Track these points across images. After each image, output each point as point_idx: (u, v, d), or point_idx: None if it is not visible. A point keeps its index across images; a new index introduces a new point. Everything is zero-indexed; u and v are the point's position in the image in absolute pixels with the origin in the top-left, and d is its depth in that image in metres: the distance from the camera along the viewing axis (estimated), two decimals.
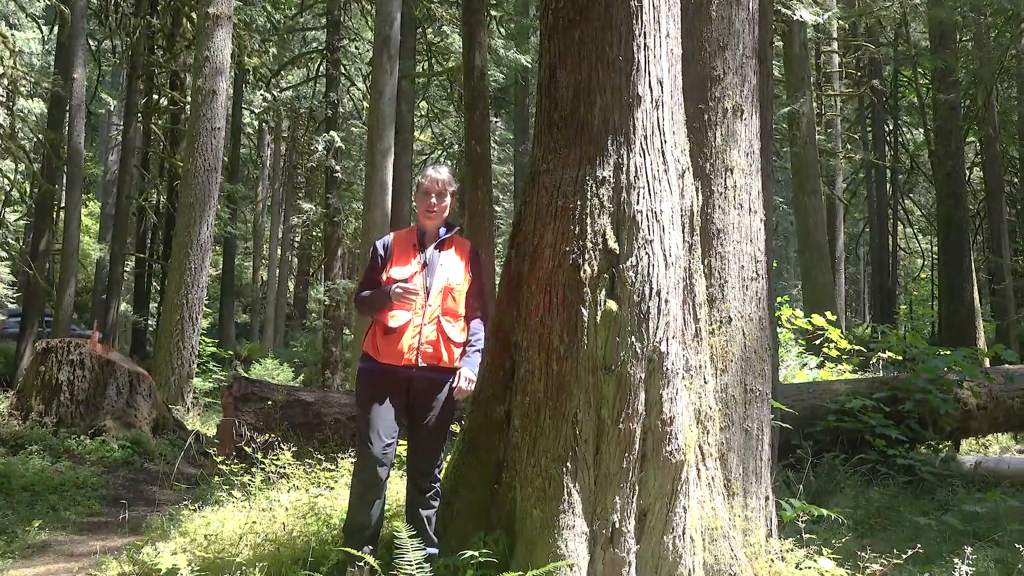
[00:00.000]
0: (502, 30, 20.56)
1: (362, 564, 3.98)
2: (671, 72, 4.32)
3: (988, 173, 23.05)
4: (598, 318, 3.90)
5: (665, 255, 3.99)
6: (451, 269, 4.38)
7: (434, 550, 4.20)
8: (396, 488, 5.18)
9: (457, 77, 20.96)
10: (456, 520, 4.35)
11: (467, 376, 4.32)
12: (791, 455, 7.67)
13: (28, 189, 23.39)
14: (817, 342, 12.94)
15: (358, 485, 4.23)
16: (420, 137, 29.40)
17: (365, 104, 26.23)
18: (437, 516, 4.31)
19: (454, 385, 4.33)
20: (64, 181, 20.00)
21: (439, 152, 29.07)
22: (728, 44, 5.07)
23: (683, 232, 4.38)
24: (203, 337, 16.88)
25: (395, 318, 4.23)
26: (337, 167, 23.34)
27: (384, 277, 4.33)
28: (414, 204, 4.53)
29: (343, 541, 4.26)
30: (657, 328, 3.92)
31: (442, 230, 4.47)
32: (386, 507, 4.78)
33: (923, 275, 34.30)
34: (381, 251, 4.42)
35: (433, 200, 4.40)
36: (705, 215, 4.85)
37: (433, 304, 4.28)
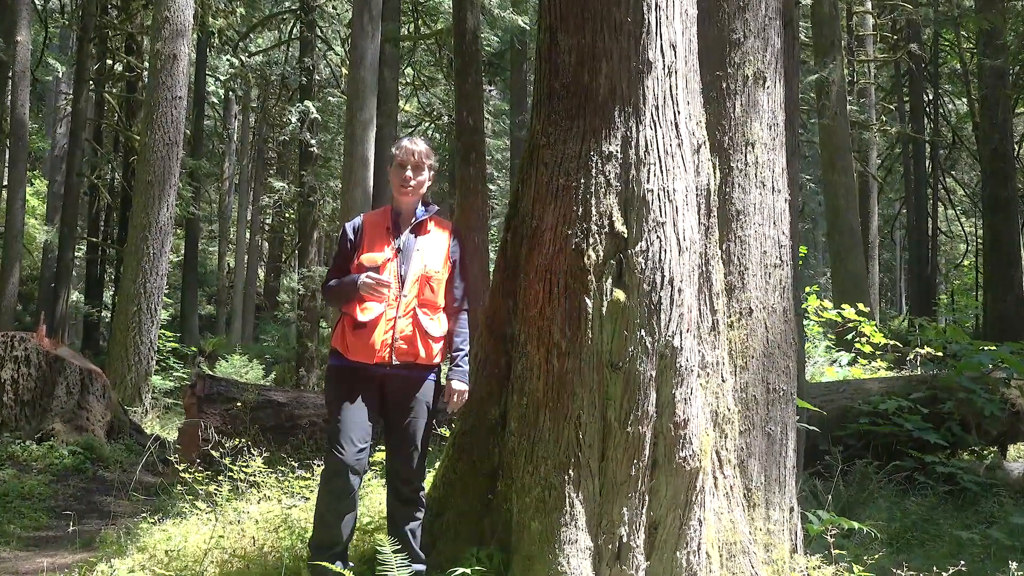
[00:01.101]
0: None
1: None
2: (685, 35, 4.31)
3: None
4: (604, 309, 3.91)
5: (678, 239, 3.99)
6: (429, 255, 4.36)
7: (421, 567, 4.21)
8: (378, 499, 5.19)
9: (447, 40, 20.91)
10: (446, 534, 4.37)
11: (458, 389, 4.34)
12: (818, 462, 7.69)
13: None
14: (848, 336, 12.96)
15: (327, 496, 4.21)
16: (405, 107, 29.33)
17: (344, 71, 26.16)
18: (422, 529, 4.32)
19: (444, 399, 4.36)
20: (6, 156, 19.96)
21: (426, 124, 29.03)
22: (749, 3, 5.06)
23: (698, 213, 4.38)
24: (163, 331, 16.87)
25: (366, 311, 4.21)
26: (313, 141, 23.31)
27: (354, 264, 4.32)
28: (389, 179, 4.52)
29: (308, 558, 4.27)
30: (669, 320, 3.92)
31: (419, 210, 4.45)
32: (368, 519, 4.79)
33: (966, 262, 34.33)
34: (351, 234, 4.40)
35: (408, 174, 4.38)
36: (723, 194, 4.86)
37: (408, 295, 4.26)
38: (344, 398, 4.22)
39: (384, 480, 5.84)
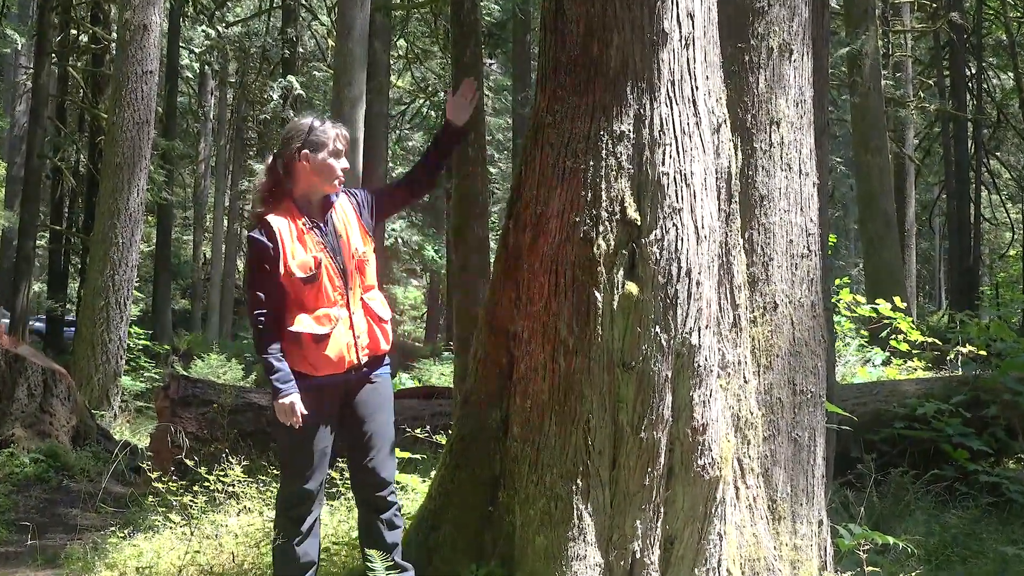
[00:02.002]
0: None
1: None
2: (704, 3, 4.30)
3: None
4: (615, 303, 3.91)
5: (697, 227, 3.99)
6: (352, 237, 4.28)
7: (411, 574, 4.23)
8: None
9: (443, 9, 20.88)
10: (442, 548, 4.37)
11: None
12: (850, 470, 7.69)
13: None
14: (882, 333, 12.96)
15: (290, 525, 4.20)
16: (397, 83, 29.36)
17: (330, 42, 26.13)
18: (416, 545, 4.34)
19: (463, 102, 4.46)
20: None
21: (420, 100, 29.04)
22: None
23: (718, 199, 4.38)
24: (133, 327, 16.88)
25: (323, 321, 4.14)
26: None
27: (280, 274, 4.12)
28: (306, 164, 4.23)
29: None
30: (687, 316, 3.92)
31: (330, 195, 4.34)
32: (357, 536, 4.81)
33: (1012, 252, 34.32)
34: (266, 241, 4.14)
35: (346, 164, 4.31)
36: (746, 178, 4.85)
37: (353, 287, 4.23)
38: (310, 421, 4.15)
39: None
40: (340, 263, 4.21)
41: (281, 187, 4.27)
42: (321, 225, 4.23)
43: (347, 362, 4.18)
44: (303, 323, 4.12)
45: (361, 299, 4.25)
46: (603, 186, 3.98)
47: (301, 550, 4.18)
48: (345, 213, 4.32)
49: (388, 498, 4.30)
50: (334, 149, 4.25)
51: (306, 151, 4.20)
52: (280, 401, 4.03)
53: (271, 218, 4.18)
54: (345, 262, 4.22)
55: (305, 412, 4.06)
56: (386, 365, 4.40)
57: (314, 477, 4.17)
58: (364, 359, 4.23)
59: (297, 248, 4.14)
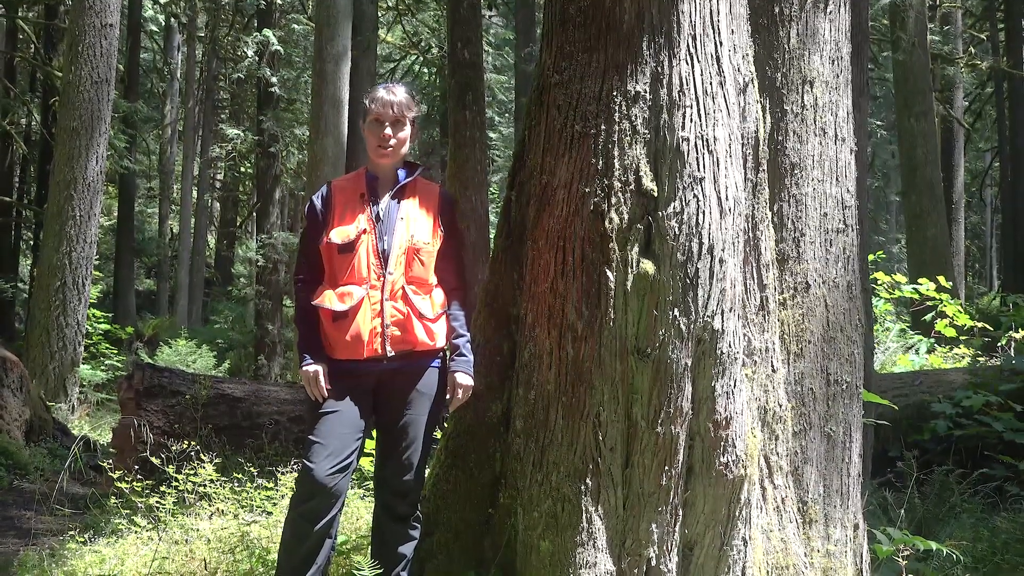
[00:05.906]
0: None
1: None
2: None
3: None
4: (628, 284, 3.92)
5: (720, 198, 3.99)
6: (416, 224, 4.32)
7: None
8: (353, 513, 5.21)
9: None
10: (437, 556, 4.39)
11: (463, 383, 4.30)
12: (889, 469, 7.72)
13: None
14: (926, 317, 12.97)
15: (296, 520, 4.19)
16: (387, 37, 29.23)
17: None
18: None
19: (448, 396, 4.34)
20: None
21: (412, 57, 28.94)
22: None
23: (744, 167, 4.38)
24: (93, 310, 16.87)
25: (345, 297, 4.19)
26: (273, 78, 23.24)
27: (323, 241, 4.28)
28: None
29: None
30: (708, 297, 3.93)
31: (401, 173, 4.41)
32: (344, 538, 4.82)
33: None
34: (319, 205, 4.37)
35: (387, 132, 4.32)
36: (775, 144, 4.85)
37: (394, 272, 4.22)
38: (324, 404, 4.20)
39: (360, 490, 5.87)
40: (387, 243, 4.26)
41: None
42: (380, 201, 4.35)
43: (368, 349, 4.18)
44: (325, 298, 4.24)
45: (402, 287, 4.23)
46: (616, 153, 3.98)
47: (304, 550, 4.13)
48: (423, 203, 4.39)
49: (410, 505, 4.29)
50: (375, 116, 4.36)
51: (362, 124, 4.46)
52: (304, 368, 4.22)
53: (334, 181, 4.48)
54: (393, 243, 4.26)
55: (329, 386, 4.19)
56: (436, 359, 4.36)
57: (320, 465, 4.09)
58: (392, 351, 4.21)
59: (347, 216, 4.29)
